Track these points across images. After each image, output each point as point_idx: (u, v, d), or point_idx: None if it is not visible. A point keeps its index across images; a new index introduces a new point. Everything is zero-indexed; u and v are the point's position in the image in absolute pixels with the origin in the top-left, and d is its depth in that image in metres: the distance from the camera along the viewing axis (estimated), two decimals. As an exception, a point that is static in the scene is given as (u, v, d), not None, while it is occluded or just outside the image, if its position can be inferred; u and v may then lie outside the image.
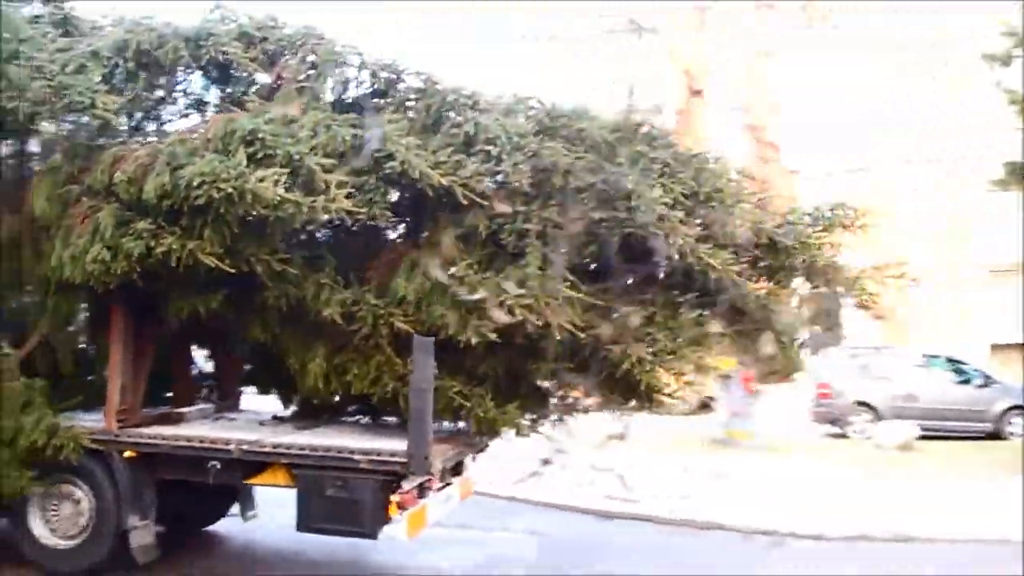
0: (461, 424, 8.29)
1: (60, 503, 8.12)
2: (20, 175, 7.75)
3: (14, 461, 7.62)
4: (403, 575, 9.08)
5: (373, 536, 7.59)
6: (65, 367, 8.35)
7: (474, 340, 7.29)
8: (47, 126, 7.42)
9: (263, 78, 8.03)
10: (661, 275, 7.76)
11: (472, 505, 10.83)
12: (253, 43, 8.03)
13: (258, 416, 9.34)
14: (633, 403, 8.13)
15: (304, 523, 7.71)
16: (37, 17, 8.63)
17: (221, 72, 8.10)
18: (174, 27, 7.91)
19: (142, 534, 8.03)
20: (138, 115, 8.12)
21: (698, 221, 7.52)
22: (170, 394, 9.46)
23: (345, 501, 7.46)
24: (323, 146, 7.30)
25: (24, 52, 7.43)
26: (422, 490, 7.77)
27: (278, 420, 9.04)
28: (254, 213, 6.95)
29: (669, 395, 7.93)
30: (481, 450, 9.15)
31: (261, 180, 6.83)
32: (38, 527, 8.10)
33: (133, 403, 8.21)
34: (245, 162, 6.93)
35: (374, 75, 8.19)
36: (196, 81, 8.16)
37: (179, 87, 8.20)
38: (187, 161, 6.97)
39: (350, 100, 8.16)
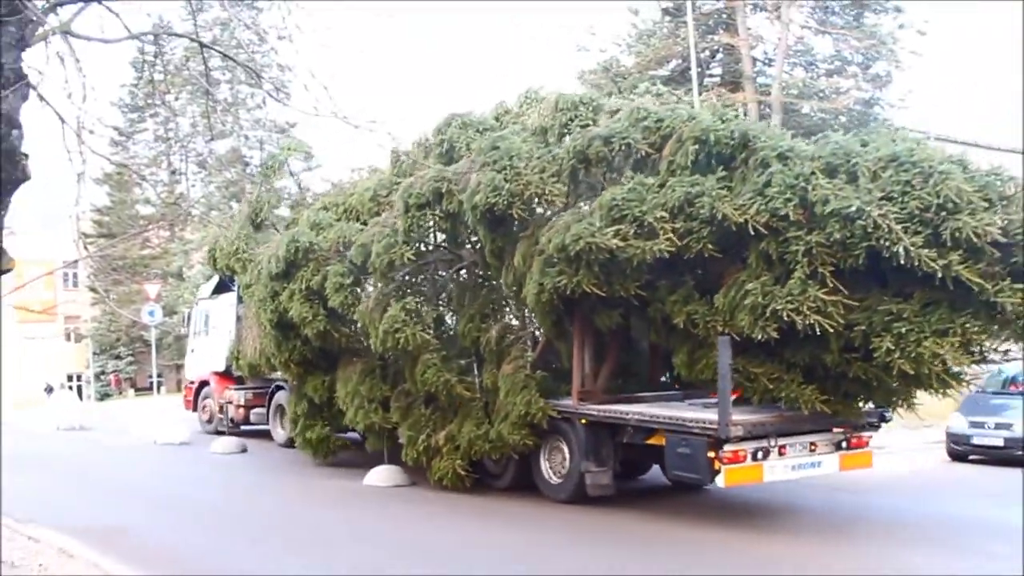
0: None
1: (554, 454, 12.28)
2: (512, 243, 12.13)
3: (516, 425, 11.97)
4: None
5: (706, 483, 10.42)
6: (565, 365, 12.54)
7: (760, 337, 9.73)
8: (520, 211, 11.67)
9: (654, 158, 11.28)
10: (912, 279, 9.21)
11: None
12: (651, 131, 11.35)
13: (706, 400, 12.35)
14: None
15: (668, 471, 10.87)
16: (546, 130, 12.99)
17: (626, 158, 11.52)
18: (597, 131, 11.59)
19: (597, 476, 11.72)
20: (574, 196, 12.01)
21: (929, 230, 8.90)
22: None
23: (688, 456, 10.40)
24: (667, 202, 10.39)
25: (510, 164, 11.80)
26: (757, 453, 10.30)
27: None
28: (604, 257, 10.41)
29: (927, 380, 9.29)
30: (864, 428, 11.10)
31: (604, 235, 10.29)
32: (545, 468, 12.38)
33: (593, 386, 12.04)
34: (600, 223, 10.43)
35: (725, 144, 10.84)
36: (609, 164, 11.66)
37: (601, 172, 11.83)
38: (572, 226, 10.71)
39: (703, 164, 10.94)
